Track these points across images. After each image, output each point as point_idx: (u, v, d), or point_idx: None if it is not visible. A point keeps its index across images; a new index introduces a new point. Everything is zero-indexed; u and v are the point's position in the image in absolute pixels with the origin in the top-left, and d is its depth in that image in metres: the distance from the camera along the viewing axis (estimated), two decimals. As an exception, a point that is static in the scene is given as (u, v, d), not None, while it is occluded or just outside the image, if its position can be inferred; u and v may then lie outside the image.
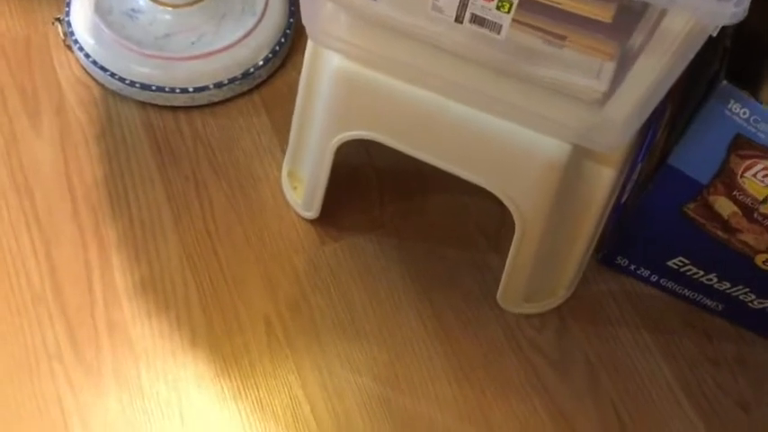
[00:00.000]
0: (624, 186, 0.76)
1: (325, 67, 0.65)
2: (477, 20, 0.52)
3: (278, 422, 0.69)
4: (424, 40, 0.59)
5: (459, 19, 0.52)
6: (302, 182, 0.79)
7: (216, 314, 0.74)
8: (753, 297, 0.73)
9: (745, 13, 0.44)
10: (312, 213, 0.79)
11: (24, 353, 0.70)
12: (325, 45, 0.62)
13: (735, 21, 0.44)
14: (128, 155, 0.83)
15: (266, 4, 0.87)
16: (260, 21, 0.86)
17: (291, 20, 0.89)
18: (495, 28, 0.52)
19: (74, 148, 0.82)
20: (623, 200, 0.76)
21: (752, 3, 0.56)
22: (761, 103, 0.57)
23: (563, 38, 0.58)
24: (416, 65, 0.60)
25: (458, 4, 0.51)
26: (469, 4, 0.51)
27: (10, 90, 0.85)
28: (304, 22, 0.61)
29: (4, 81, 0.86)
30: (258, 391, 0.71)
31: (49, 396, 0.69)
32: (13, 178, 0.79)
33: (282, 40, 0.88)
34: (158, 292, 0.75)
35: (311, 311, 0.76)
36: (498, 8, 0.50)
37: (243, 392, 0.71)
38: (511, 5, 0.50)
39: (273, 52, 0.87)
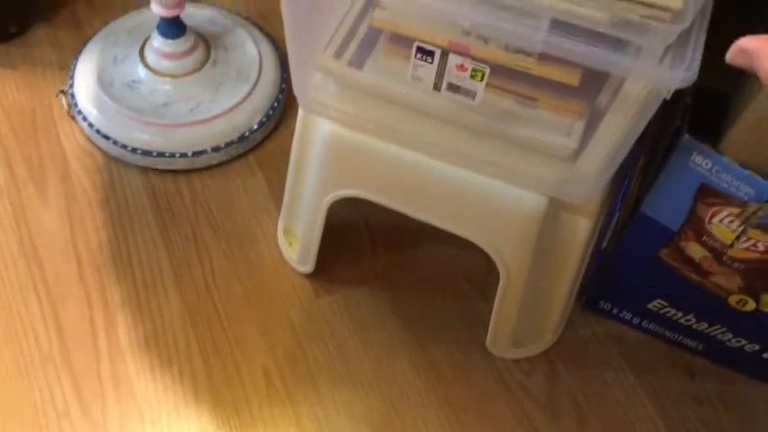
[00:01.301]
0: (603, 233, 0.80)
1: (316, 131, 0.70)
2: (452, 88, 0.57)
3: (279, 472, 0.72)
4: (407, 106, 0.63)
5: (436, 87, 0.57)
6: (297, 238, 0.83)
7: (217, 368, 0.77)
8: (730, 336, 0.77)
9: (695, 78, 0.48)
10: (307, 268, 0.83)
11: (34, 412, 0.73)
12: (315, 112, 0.67)
13: (685, 85, 0.48)
14: (131, 218, 0.87)
15: (260, 72, 0.93)
16: (254, 87, 0.92)
17: (283, 85, 0.94)
18: (470, 95, 0.57)
19: (79, 213, 0.86)
20: (603, 246, 0.80)
21: (711, 63, 0.62)
22: (722, 154, 0.62)
23: (535, 99, 0.63)
24: (401, 128, 0.65)
25: (435, 73, 0.56)
26: (446, 73, 0.56)
27: (17, 160, 0.89)
28: (295, 91, 0.66)
29: (12, 151, 0.90)
30: (259, 441, 0.74)
31: (57, 453, 0.71)
32: (22, 244, 0.83)
33: (275, 104, 0.93)
34: (161, 348, 0.78)
35: (308, 362, 0.79)
36: (472, 77, 0.55)
37: (245, 444, 0.73)
38: (483, 74, 0.54)
39: (267, 116, 0.92)
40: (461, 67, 0.54)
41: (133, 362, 0.77)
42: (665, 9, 0.48)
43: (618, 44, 0.49)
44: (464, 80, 0.56)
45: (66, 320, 0.79)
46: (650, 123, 0.72)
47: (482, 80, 0.55)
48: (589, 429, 0.77)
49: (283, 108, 0.94)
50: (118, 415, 0.74)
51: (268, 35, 0.98)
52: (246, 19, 1.00)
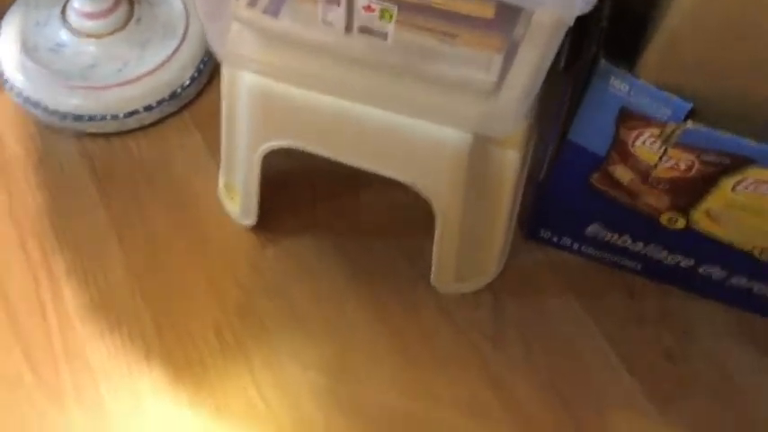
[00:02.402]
0: (541, 165, 0.81)
1: (241, 84, 0.69)
2: (364, 30, 0.57)
3: (236, 423, 0.74)
4: (324, 51, 0.63)
5: (348, 29, 0.57)
6: (238, 192, 0.83)
7: (166, 326, 0.78)
8: (666, 254, 0.79)
9: (592, 4, 0.48)
10: (250, 221, 0.83)
11: (-15, 384, 0.74)
12: (235, 65, 0.66)
13: (585, 11, 0.48)
14: (68, 184, 0.86)
15: (187, 26, 0.91)
16: (182, 42, 0.90)
17: (213, 38, 0.92)
18: (382, 35, 0.57)
19: (15, 183, 0.85)
20: (540, 177, 0.81)
21: None
22: (638, 78, 0.62)
23: (452, 36, 0.62)
24: (321, 74, 0.64)
25: (344, 16, 0.55)
26: (354, 16, 0.55)
27: (-54, 134, 0.88)
28: (210, 44, 0.65)
29: (-60, 126, 0.88)
30: (214, 395, 0.75)
31: (12, 423, 0.72)
32: (-42, 219, 0.83)
33: (206, 58, 0.91)
34: (109, 312, 0.78)
35: (258, 314, 0.80)
36: (381, 18, 0.54)
37: (200, 398, 0.75)
38: (392, 15, 0.54)
39: (198, 71, 0.91)
40: (369, 8, 0.54)
41: (82, 327, 0.77)
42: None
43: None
44: (374, 21, 0.55)
45: (12, 290, 0.79)
46: (577, 51, 0.72)
47: (391, 20, 0.55)
48: (534, 355, 0.79)
49: (215, 62, 0.93)
50: (71, 379, 0.75)
51: (194, -14, 0.96)
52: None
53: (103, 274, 0.81)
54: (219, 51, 0.65)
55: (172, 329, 0.78)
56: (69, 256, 0.81)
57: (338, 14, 0.56)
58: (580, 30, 0.61)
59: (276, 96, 0.67)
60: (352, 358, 0.78)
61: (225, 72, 0.71)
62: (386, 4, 0.54)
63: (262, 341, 0.78)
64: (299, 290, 0.82)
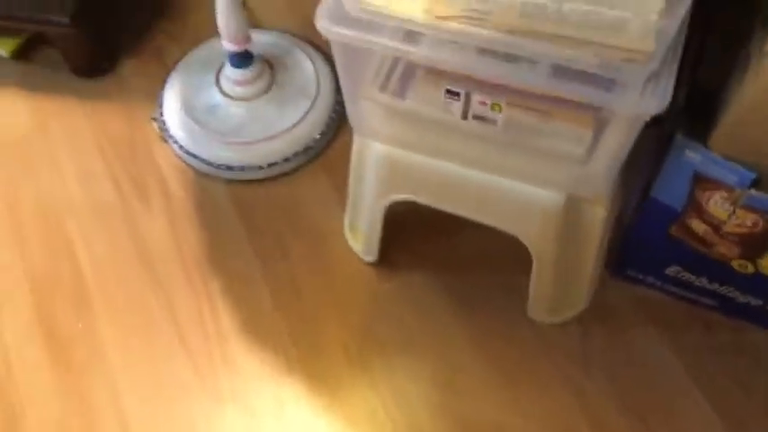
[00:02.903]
0: (628, 209, 0.92)
1: (371, 150, 0.84)
2: (477, 117, 0.70)
3: (359, 428, 0.88)
4: (442, 127, 0.77)
5: (464, 117, 0.71)
6: (361, 232, 0.98)
7: (303, 344, 0.94)
8: (738, 294, 0.89)
9: (666, 106, 0.60)
10: (372, 258, 0.98)
11: (158, 387, 0.91)
12: (369, 137, 0.81)
13: (659, 112, 0.61)
14: (220, 223, 1.03)
15: (318, 87, 1.07)
16: (314, 102, 1.06)
17: (339, 97, 1.08)
18: (492, 122, 0.70)
19: (179, 221, 1.04)
20: (626, 221, 0.93)
21: (705, 68, 0.73)
22: (710, 148, 0.73)
23: (550, 114, 0.75)
24: (440, 145, 0.78)
25: (461, 108, 0.69)
26: (470, 108, 0.69)
27: (124, 180, 1.07)
28: (350, 121, 0.80)
29: (118, 173, 1.08)
30: (342, 406, 0.90)
31: (183, 417, 0.90)
32: (137, 251, 1.01)
33: (333, 115, 1.07)
34: (259, 330, 0.95)
35: (377, 337, 0.95)
36: (492, 109, 0.68)
37: (333, 406, 0.90)
38: (501, 107, 0.68)
39: (327, 126, 1.06)
40: (482, 103, 0.67)
41: (236, 342, 0.94)
42: (640, 52, 0.60)
43: (607, 81, 0.61)
44: (486, 111, 0.69)
45: (181, 312, 0.96)
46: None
47: (500, 111, 0.68)
48: (619, 382, 0.90)
49: (340, 118, 1.09)
50: (228, 385, 0.92)
51: (319, 50, 1.12)
52: (302, 38, 1.14)
53: (252, 299, 0.97)
54: (356, 126, 0.81)
55: (308, 346, 0.94)
56: (224, 284, 0.99)
57: (457, 106, 0.70)
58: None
59: (400, 160, 0.82)
60: (459, 378, 0.92)
61: (356, 139, 0.87)
62: (497, 98, 0.67)
63: (381, 360, 0.93)
64: (412, 319, 0.96)
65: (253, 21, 1.19)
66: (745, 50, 0.73)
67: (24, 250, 1.02)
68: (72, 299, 0.98)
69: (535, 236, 0.82)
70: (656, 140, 0.87)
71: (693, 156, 0.74)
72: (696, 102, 0.77)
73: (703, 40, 0.83)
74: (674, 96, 0.65)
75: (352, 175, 0.92)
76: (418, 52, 0.65)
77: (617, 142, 0.72)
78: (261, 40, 1.12)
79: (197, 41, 1.15)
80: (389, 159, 0.82)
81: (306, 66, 1.10)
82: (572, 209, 0.80)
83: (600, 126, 0.75)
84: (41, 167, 1.08)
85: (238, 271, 1.00)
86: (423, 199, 0.85)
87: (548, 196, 0.78)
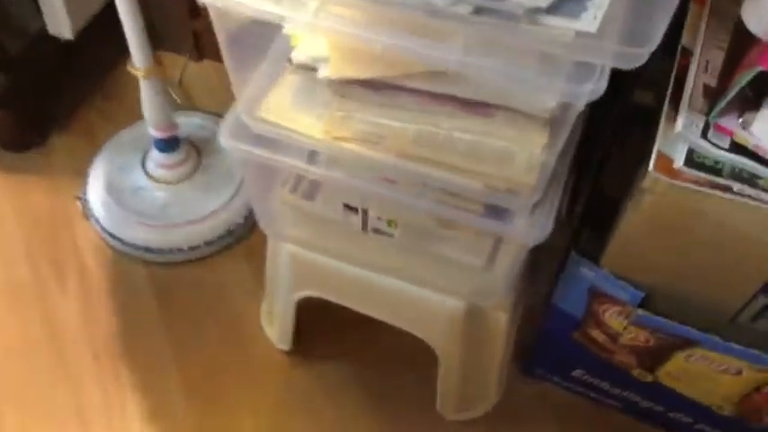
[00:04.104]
0: (539, 304, 0.94)
1: (282, 247, 0.85)
2: (376, 230, 0.72)
3: None
4: (348, 232, 0.78)
5: (364, 229, 0.72)
6: (277, 320, 0.99)
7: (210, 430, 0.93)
8: (639, 398, 0.91)
9: (546, 236, 0.63)
10: (285, 346, 0.98)
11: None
12: (278, 239, 0.82)
13: (540, 241, 0.63)
14: (136, 305, 1.03)
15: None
16: (239, 188, 1.07)
17: (265, 182, 1.10)
18: (389, 234, 0.72)
19: (94, 303, 1.03)
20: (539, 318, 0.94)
21: (610, 175, 0.75)
22: (602, 267, 0.76)
23: (449, 224, 0.77)
24: (346, 249, 0.80)
25: (360, 222, 0.71)
26: (368, 222, 0.71)
27: (41, 258, 1.06)
28: (260, 223, 0.81)
29: (36, 250, 1.07)
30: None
31: None
32: (45, 333, 1.00)
33: (258, 200, 1.08)
34: (166, 420, 0.94)
35: (286, 426, 0.94)
36: (388, 225, 0.70)
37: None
38: (396, 223, 0.69)
39: (250, 211, 1.07)
40: (378, 218, 0.69)
41: (141, 433, 0.93)
42: (524, 184, 0.62)
43: (494, 210, 0.64)
44: (383, 226, 0.71)
45: (85, 397, 0.95)
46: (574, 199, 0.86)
47: (396, 227, 0.70)
48: (521, 481, 0.91)
49: (265, 202, 1.10)
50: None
51: (252, 135, 1.14)
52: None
53: (161, 387, 0.96)
54: (266, 228, 0.82)
55: (215, 438, 0.93)
56: (134, 370, 0.98)
57: (356, 220, 0.71)
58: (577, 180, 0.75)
59: (308, 261, 0.83)
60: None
61: (269, 239, 0.88)
62: (392, 215, 0.69)
63: (289, 453, 0.93)
64: (324, 407, 0.96)
65: (185, 101, 1.20)
66: (643, 169, 0.77)
67: (-69, 328, 1.00)
68: (-24, 382, 0.96)
69: (439, 339, 0.83)
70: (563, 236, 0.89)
71: (588, 272, 0.77)
72: (599, 208, 0.80)
73: (608, 151, 0.87)
74: (561, 212, 0.68)
75: (267, 266, 0.93)
76: (317, 171, 0.67)
77: (513, 256, 0.74)
78: (190, 123, 1.13)
79: (130, 121, 1.16)
80: (298, 259, 0.83)
81: (234, 149, 1.11)
82: (475, 314, 0.82)
83: (498, 240, 0.77)
84: (-43, 241, 1.07)
85: (150, 357, 0.99)
86: (331, 297, 0.86)
87: (450, 302, 0.79)
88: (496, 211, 0.65)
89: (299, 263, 0.83)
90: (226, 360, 0.99)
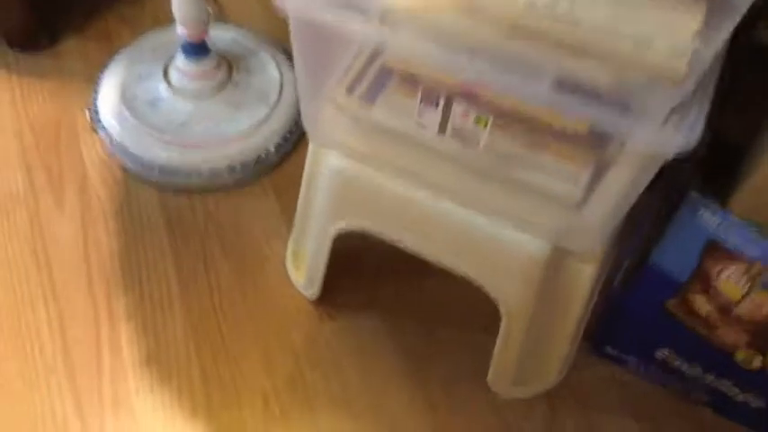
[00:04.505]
0: (613, 277, 0.79)
1: (325, 164, 0.70)
2: (457, 133, 0.57)
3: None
4: (415, 144, 0.63)
5: (441, 131, 0.57)
6: (305, 262, 0.84)
7: (216, 388, 0.78)
8: (736, 391, 0.75)
9: (694, 143, 0.47)
10: (313, 293, 0.83)
11: (34, 425, 0.74)
12: (325, 146, 0.67)
13: (685, 150, 0.47)
14: (143, 233, 0.88)
15: (280, 95, 0.94)
16: (273, 110, 0.92)
17: (303, 109, 0.95)
18: (474, 140, 0.57)
19: (93, 225, 0.88)
20: (614, 290, 0.79)
21: (727, 118, 0.61)
22: (731, 211, 0.61)
23: (543, 146, 0.62)
24: (408, 166, 0.65)
25: (439, 118, 0.56)
26: (450, 119, 0.55)
27: (37, 169, 0.91)
28: (304, 123, 0.66)
29: (33, 161, 0.92)
30: (252, 467, 0.74)
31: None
32: (35, 253, 0.85)
33: (293, 129, 0.93)
34: (162, 365, 0.79)
35: (307, 388, 0.79)
36: (476, 123, 0.55)
37: (237, 468, 0.74)
38: (487, 122, 0.54)
39: (284, 139, 0.92)
40: (465, 115, 0.54)
41: (134, 378, 0.78)
42: (669, 73, 0.47)
43: (622, 105, 0.48)
44: (468, 126, 0.56)
45: (73, 333, 0.80)
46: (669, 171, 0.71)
47: (486, 127, 0.55)
48: (586, 477, 0.75)
49: (301, 133, 0.95)
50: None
51: (291, 58, 0.99)
52: (273, 41, 1.00)
53: (162, 326, 0.81)
54: (311, 131, 0.67)
55: (221, 391, 0.78)
56: (132, 303, 0.83)
57: (434, 116, 0.56)
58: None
59: (358, 180, 0.68)
60: (397, 450, 0.76)
61: (311, 149, 0.73)
62: (483, 111, 0.54)
63: (306, 415, 0.77)
64: (352, 369, 0.80)
65: (221, 16, 1.06)
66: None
67: None
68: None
69: (509, 290, 0.68)
70: (659, 196, 0.74)
71: (710, 218, 0.61)
72: (715, 154, 0.65)
73: (731, 86, 0.71)
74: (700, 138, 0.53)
75: (302, 191, 0.78)
76: (394, 44, 0.52)
77: (620, 188, 0.59)
78: (224, 37, 0.98)
79: (153, 28, 1.01)
80: (345, 176, 0.68)
81: (270, 70, 0.96)
82: (556, 264, 0.66)
83: (600, 167, 0.62)
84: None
85: (152, 291, 0.84)
86: (379, 231, 0.70)
87: (529, 244, 0.64)
88: (624, 113, 0.50)
89: (345, 183, 0.68)
90: (240, 304, 0.84)
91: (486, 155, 0.62)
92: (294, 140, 0.94)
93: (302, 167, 0.82)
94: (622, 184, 0.58)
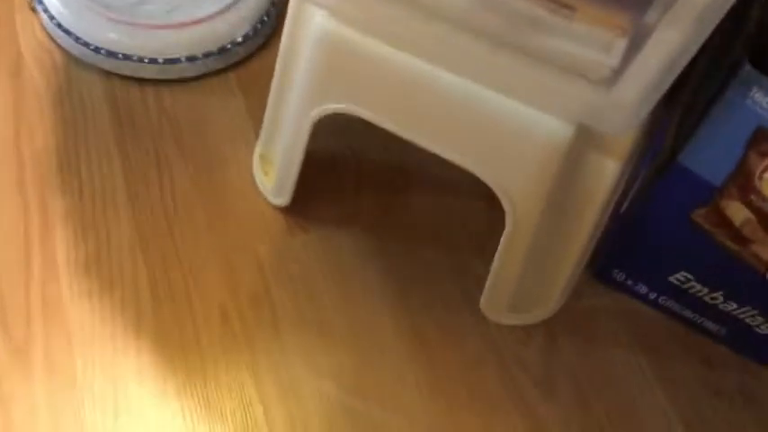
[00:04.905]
0: (625, 194, 0.70)
1: (308, 28, 0.59)
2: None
3: (225, 423, 0.61)
4: (415, 3, 0.53)
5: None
6: (274, 165, 0.72)
7: (166, 300, 0.66)
8: (760, 320, 0.67)
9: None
10: (283, 200, 0.72)
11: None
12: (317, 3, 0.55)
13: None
14: (85, 125, 0.75)
15: (251, -21, 0.82)
16: (243, -6, 0.80)
17: (277, -2, 0.83)
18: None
19: (27, 113, 0.75)
20: (622, 209, 0.70)
21: None
22: (787, 92, 0.51)
23: (572, 8, 0.52)
24: (408, 27, 0.54)
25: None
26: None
27: (-37, 48, 0.78)
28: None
29: (-41, 38, 0.79)
30: (206, 387, 0.63)
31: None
32: (-45, 138, 0.72)
33: (265, 18, 0.81)
34: (103, 272, 0.67)
35: (273, 307, 0.68)
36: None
37: (188, 389, 0.62)
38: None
39: (254, 30, 0.81)
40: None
41: (68, 283, 0.66)
42: None
43: None
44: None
45: (-3, 230, 0.68)
46: (693, 65, 0.61)
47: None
48: (591, 413, 0.66)
49: (274, 25, 0.83)
50: (43, 342, 0.63)
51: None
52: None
53: (105, 229, 0.70)
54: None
55: (171, 303, 0.66)
56: (70, 202, 0.70)
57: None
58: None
59: (347, 47, 0.57)
60: (374, 376, 0.66)
61: (291, 13, 0.61)
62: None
63: (271, 337, 0.66)
64: (326, 288, 0.70)
65: None
66: None
67: None
68: None
69: (519, 184, 0.58)
70: (688, 90, 0.64)
71: (763, 100, 0.52)
72: (765, 33, 0.56)
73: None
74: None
75: (277, 73, 0.67)
76: None
77: (667, 53, 0.49)
78: None
79: None
80: (331, 42, 0.57)
81: (242, -47, 0.84)
82: (576, 155, 0.56)
83: (638, 35, 0.52)
84: None
85: (95, 191, 0.72)
86: (367, 112, 0.59)
87: (549, 126, 0.54)
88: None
89: (331, 50, 0.57)
90: (197, 210, 0.72)
91: (500, 16, 0.51)
92: (266, 33, 0.82)
93: (273, 65, 0.70)
94: (669, 49, 0.49)
